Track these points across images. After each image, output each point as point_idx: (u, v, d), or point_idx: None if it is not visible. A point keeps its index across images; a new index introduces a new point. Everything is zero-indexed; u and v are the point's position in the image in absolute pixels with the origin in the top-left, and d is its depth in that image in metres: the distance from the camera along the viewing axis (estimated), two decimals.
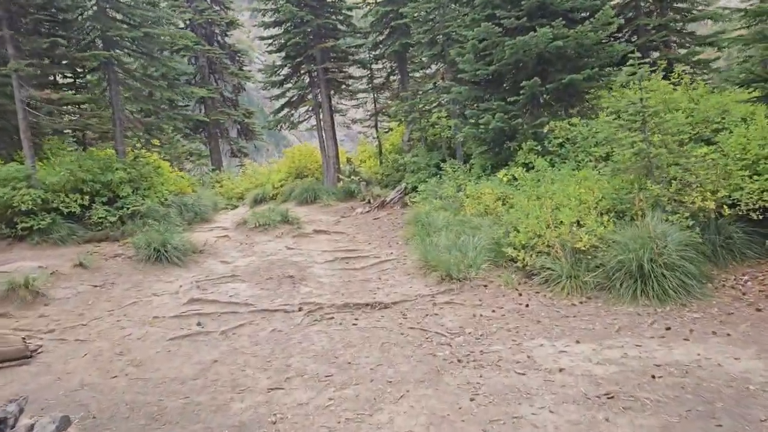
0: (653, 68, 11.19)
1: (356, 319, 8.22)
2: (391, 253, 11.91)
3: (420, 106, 17.46)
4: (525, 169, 12.03)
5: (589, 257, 8.32)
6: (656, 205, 8.49)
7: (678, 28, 14.40)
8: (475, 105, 13.36)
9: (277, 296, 9.49)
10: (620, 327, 6.96)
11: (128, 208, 14.01)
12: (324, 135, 20.27)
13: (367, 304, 8.69)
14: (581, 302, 7.95)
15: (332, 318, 8.34)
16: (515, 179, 12.15)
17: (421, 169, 17.19)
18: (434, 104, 17.61)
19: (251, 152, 36.95)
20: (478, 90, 13.41)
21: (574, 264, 8.37)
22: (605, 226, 8.37)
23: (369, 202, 17.52)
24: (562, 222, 8.71)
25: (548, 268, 8.55)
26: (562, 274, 8.33)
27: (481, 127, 12.47)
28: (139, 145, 16.98)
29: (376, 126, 21.93)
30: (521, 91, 12.01)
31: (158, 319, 8.60)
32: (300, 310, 8.69)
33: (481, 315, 7.96)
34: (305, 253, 12.23)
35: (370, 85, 21.11)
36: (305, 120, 21.22)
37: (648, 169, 8.65)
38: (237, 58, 33.04)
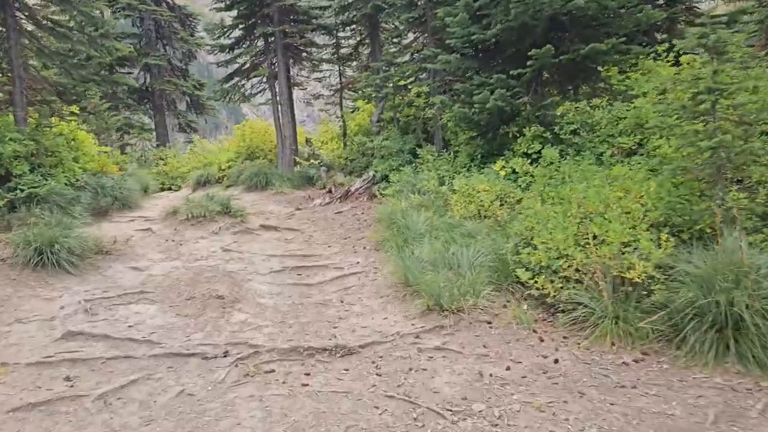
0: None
1: (308, 375, 5.50)
2: (357, 262, 9.20)
3: (395, 80, 14.66)
4: (528, 160, 9.46)
5: (643, 292, 5.79)
6: (730, 220, 5.99)
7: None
8: (467, 79, 10.65)
9: (197, 328, 6.64)
10: (716, 415, 4.43)
11: (22, 190, 10.80)
12: (280, 111, 17.26)
13: (325, 349, 5.96)
14: (636, 360, 5.42)
15: (272, 372, 5.58)
16: (515, 173, 9.57)
17: (393, 155, 14.46)
18: (411, 79, 14.83)
19: (208, 130, 33.40)
20: (471, 61, 10.72)
21: (620, 300, 5.82)
22: (664, 248, 5.83)
23: (330, 191, 14.68)
24: (599, 238, 6.14)
25: (581, 304, 5.99)
26: (604, 314, 5.78)
27: (475, 106, 9.81)
28: (52, 113, 13.61)
29: (340, 103, 19.02)
30: (528, 63, 9.36)
31: (7, 367, 5.63)
32: (226, 355, 5.90)
33: (490, 375, 5.35)
34: (246, 259, 9.40)
35: (336, 55, 18.12)
36: (259, 93, 18.12)
37: (719, 170, 6.14)
38: (188, 22, 29.38)
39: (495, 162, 9.97)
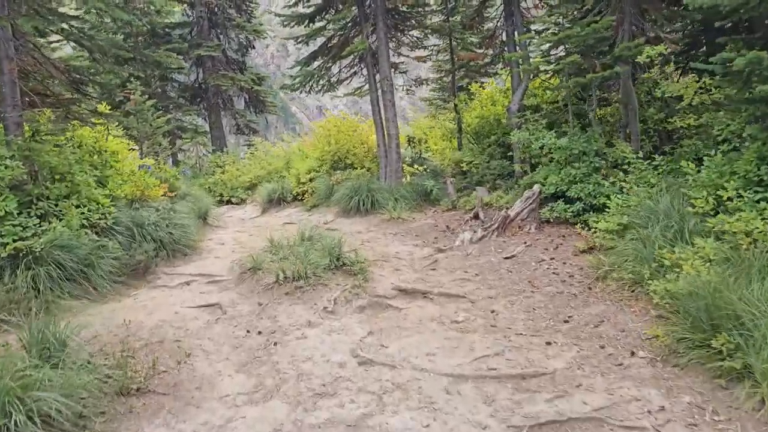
0: None
1: None
2: (660, 408, 4.00)
3: (571, 45, 9.30)
4: None
5: None
6: None
7: None
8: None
9: None
10: None
11: (3, 245, 6.17)
12: (381, 101, 12.22)
13: None
14: None
15: None
16: None
17: (573, 160, 9.18)
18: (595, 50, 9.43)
19: (259, 129, 28.70)
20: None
21: None
22: None
23: (476, 216, 9.55)
24: None
25: None
26: None
27: None
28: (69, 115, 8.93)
29: (453, 88, 13.81)
30: None
31: None
32: None
33: None
34: (408, 388, 4.38)
35: (447, 22, 12.87)
36: (348, 79, 13.11)
37: None
38: (244, 7, 24.73)
39: None
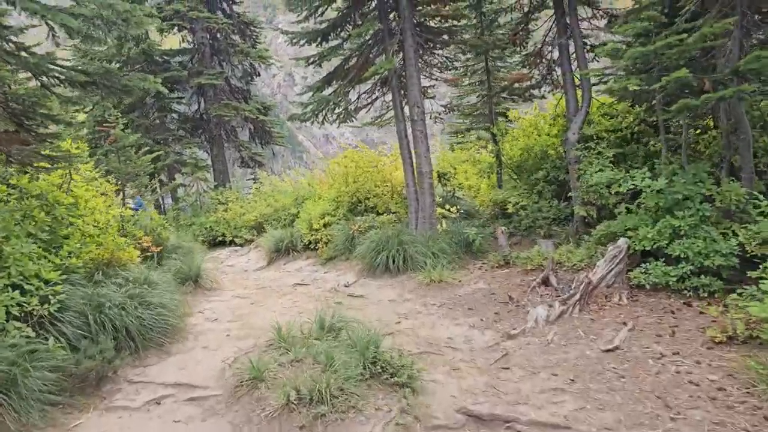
0: None
1: None
2: None
3: (669, 59, 7.09)
4: None
5: None
6: None
7: None
8: None
9: None
10: None
11: None
12: (408, 132, 10.06)
13: None
14: None
15: None
16: None
17: (672, 207, 6.92)
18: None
19: (265, 160, 26.61)
20: None
21: None
22: None
23: (545, 281, 7.24)
24: None
25: None
26: None
27: None
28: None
29: (491, 115, 11.63)
30: None
31: None
32: None
33: None
34: None
35: (480, 37, 10.74)
36: (367, 106, 10.98)
37: None
38: (248, 32, 22.93)
39: None
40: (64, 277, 5.89)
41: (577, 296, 6.55)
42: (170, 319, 6.26)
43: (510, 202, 10.32)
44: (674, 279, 6.64)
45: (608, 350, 5.52)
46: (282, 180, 20.37)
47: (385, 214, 10.51)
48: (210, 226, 17.90)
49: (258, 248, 14.43)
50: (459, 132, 15.93)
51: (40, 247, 6.12)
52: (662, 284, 6.75)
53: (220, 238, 17.57)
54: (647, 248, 7.00)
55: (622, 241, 7.13)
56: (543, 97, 11.32)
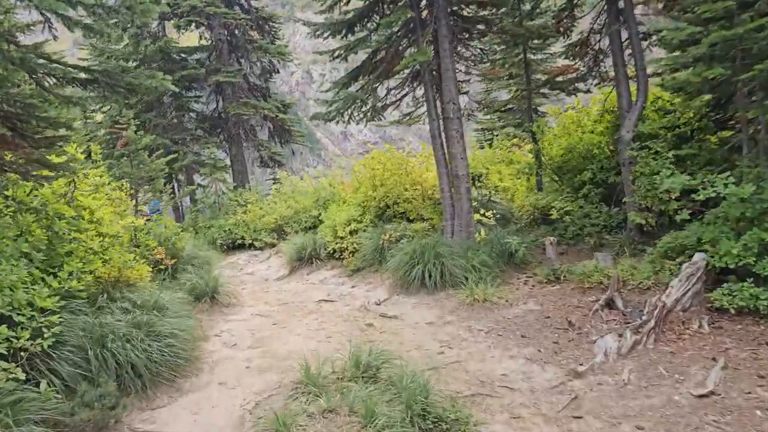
0: None
1: None
2: None
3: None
4: None
5: None
6: None
7: None
8: None
9: None
10: None
11: None
12: (442, 131, 9.13)
13: None
14: None
15: None
16: None
17: (760, 216, 5.91)
18: None
19: (286, 158, 25.83)
20: None
21: None
22: None
23: (609, 303, 6.26)
24: None
25: None
26: None
27: None
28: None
29: (529, 111, 10.64)
30: None
31: None
32: None
33: None
34: None
35: (522, 24, 9.70)
36: (396, 102, 10.06)
37: None
38: (267, 28, 22.12)
39: None
40: (63, 303, 5.12)
41: (652, 323, 5.59)
42: (182, 351, 5.44)
43: (554, 208, 9.33)
44: (766, 303, 5.64)
45: (701, 396, 4.56)
46: (302, 180, 19.58)
47: (417, 222, 9.58)
48: (229, 229, 17.19)
49: (279, 254, 13.63)
50: (488, 129, 14.96)
51: (37, 268, 5.36)
52: (749, 308, 5.75)
53: (239, 241, 16.85)
54: (730, 266, 6.00)
55: (698, 257, 6.13)
56: (588, 91, 10.30)
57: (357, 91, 8.81)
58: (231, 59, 21.30)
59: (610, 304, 6.25)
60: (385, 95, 9.67)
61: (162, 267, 8.52)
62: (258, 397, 4.81)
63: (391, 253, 8.60)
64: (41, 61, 4.66)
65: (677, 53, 7.41)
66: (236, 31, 21.29)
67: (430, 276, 7.61)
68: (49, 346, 4.63)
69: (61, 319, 4.86)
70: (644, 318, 5.71)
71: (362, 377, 4.65)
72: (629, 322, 5.86)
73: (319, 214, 15.74)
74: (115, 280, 6.26)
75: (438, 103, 9.22)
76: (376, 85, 9.15)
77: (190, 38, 23.12)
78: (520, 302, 6.91)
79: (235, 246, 16.92)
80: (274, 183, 20.77)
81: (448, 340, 6.13)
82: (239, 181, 20.85)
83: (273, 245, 16.03)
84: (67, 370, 4.64)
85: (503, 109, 11.75)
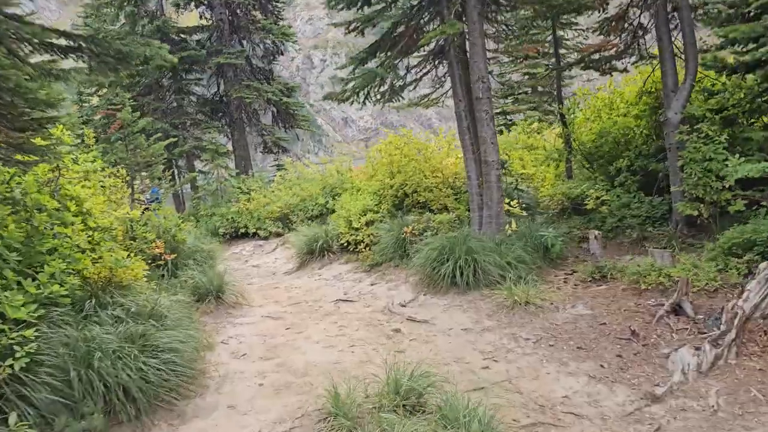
0: None
1: None
2: None
3: None
4: None
5: None
6: None
7: None
8: None
9: None
10: None
11: None
12: (466, 114, 8.20)
13: None
14: None
15: None
16: None
17: None
18: None
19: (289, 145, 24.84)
20: None
21: None
22: None
23: (675, 309, 5.38)
24: None
25: None
26: None
27: None
28: None
29: (558, 92, 9.71)
30: None
31: None
32: None
33: None
34: None
35: None
36: (416, 82, 9.10)
37: None
38: (270, 7, 21.03)
39: None
40: (42, 312, 4.26)
41: (733, 334, 4.74)
42: (183, 368, 4.59)
43: (591, 197, 8.44)
44: None
45: None
46: (306, 166, 18.66)
47: (441, 212, 8.68)
48: (232, 218, 16.34)
49: (286, 245, 12.77)
50: (506, 113, 14.03)
51: (13, 270, 4.49)
52: None
53: (243, 230, 16.02)
54: None
55: None
56: (625, 70, 9.35)
57: (378, 68, 7.85)
58: (233, 40, 20.28)
59: (676, 310, 5.39)
60: (405, 73, 8.70)
61: (161, 262, 7.66)
62: (277, 428, 3.96)
63: (415, 248, 7.73)
64: (13, 23, 3.71)
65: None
66: (238, 11, 20.24)
67: (461, 274, 6.73)
68: (21, 368, 3.78)
69: (37, 334, 4.00)
70: (722, 328, 4.85)
71: (403, 405, 3.79)
72: (703, 332, 5.01)
73: (326, 202, 14.89)
74: (106, 282, 5.38)
75: (464, 82, 8.26)
76: (397, 60, 8.19)
77: (191, 18, 22.06)
78: (567, 305, 6.04)
79: (239, 235, 16.10)
80: (278, 170, 19.85)
81: (491, 351, 5.27)
82: (242, 167, 19.93)
83: (279, 234, 15.23)
84: (43, 398, 3.78)
85: (524, 91, 10.79)
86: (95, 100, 19.60)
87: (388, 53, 8.12)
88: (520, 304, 6.09)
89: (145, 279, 5.80)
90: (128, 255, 5.86)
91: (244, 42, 20.60)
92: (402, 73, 8.70)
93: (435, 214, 8.69)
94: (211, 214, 17.20)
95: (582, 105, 10.33)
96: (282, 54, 21.16)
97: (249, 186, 17.58)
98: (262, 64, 21.18)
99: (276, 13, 21.02)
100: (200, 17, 20.93)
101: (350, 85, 7.81)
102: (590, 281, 6.71)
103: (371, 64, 8.63)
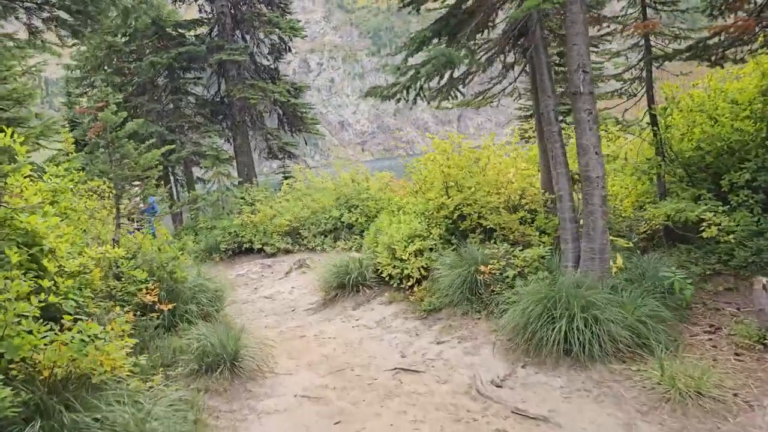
0: None
1: None
2: None
3: None
4: None
5: None
6: None
7: None
8: None
9: None
10: None
11: None
12: (552, 117, 6.14)
13: None
14: None
15: None
16: None
17: None
18: None
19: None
20: None
21: None
22: None
23: None
24: None
25: None
26: None
27: None
28: None
29: (649, 86, 7.69)
30: None
31: None
32: None
33: None
34: None
35: None
36: (473, 75, 7.04)
37: None
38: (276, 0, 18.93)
39: None
40: None
41: None
42: None
43: (712, 222, 6.42)
44: None
45: None
46: (317, 174, 16.59)
47: (529, 246, 6.59)
48: (234, 231, 14.37)
49: (302, 269, 10.70)
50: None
51: None
52: None
53: (247, 245, 14.10)
54: None
55: None
56: (742, 60, 7.36)
57: (444, 55, 5.78)
58: (235, 35, 18.24)
59: None
60: (483, 56, 6.63)
61: (156, 312, 5.57)
62: None
63: (493, 290, 5.67)
64: None
65: None
66: (241, 3, 18.19)
67: (578, 336, 4.68)
68: None
69: None
70: None
71: None
72: None
73: (341, 215, 13.04)
74: (66, 380, 3.29)
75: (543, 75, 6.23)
76: (471, 41, 6.15)
77: (189, 14, 20.00)
78: (764, 401, 4.00)
79: (242, 251, 14.20)
80: (285, 178, 17.78)
81: None
82: (245, 175, 17.85)
83: (288, 251, 13.33)
84: None
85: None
86: (84, 102, 17.52)
87: (457, 35, 6.06)
88: (686, 394, 4.04)
89: (128, 370, 3.67)
90: (103, 336, 3.74)
91: (248, 37, 18.54)
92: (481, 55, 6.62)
93: (501, 242, 6.62)
94: (212, 227, 15.19)
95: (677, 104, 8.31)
96: (290, 50, 19.06)
97: (253, 196, 15.59)
98: (267, 61, 19.13)
99: (283, 6, 18.94)
100: (199, 10, 18.86)
101: (410, 74, 5.74)
102: (757, 349, 4.68)
103: (412, 60, 6.53)
